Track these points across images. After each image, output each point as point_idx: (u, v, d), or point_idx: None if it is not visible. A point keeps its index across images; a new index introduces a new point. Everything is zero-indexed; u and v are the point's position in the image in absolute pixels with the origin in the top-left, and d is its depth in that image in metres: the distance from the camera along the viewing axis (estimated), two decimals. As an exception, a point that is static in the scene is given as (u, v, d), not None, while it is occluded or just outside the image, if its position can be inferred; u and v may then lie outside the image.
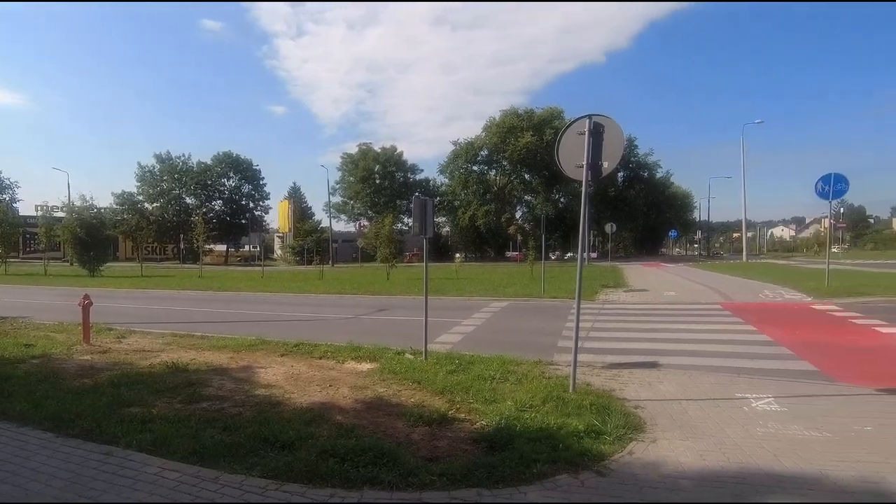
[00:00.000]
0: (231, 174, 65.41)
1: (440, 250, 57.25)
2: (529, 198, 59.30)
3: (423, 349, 6.61)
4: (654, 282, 20.54)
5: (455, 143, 58.99)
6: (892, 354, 7.16)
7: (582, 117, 4.75)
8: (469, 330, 9.79)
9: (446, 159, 60.31)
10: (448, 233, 64.55)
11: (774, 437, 3.91)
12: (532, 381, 5.43)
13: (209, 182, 63.91)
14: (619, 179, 59.38)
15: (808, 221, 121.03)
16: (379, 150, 64.07)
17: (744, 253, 47.04)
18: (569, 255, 54.78)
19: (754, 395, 4.98)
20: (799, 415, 4.40)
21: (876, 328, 8.87)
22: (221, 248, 65.47)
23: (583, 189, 4.90)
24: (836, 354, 7.08)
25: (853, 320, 9.75)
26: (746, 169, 47.18)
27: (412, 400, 4.92)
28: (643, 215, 61.05)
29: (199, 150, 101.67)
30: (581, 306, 5.79)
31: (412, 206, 6.59)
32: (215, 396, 5.03)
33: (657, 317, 10.88)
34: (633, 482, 3.17)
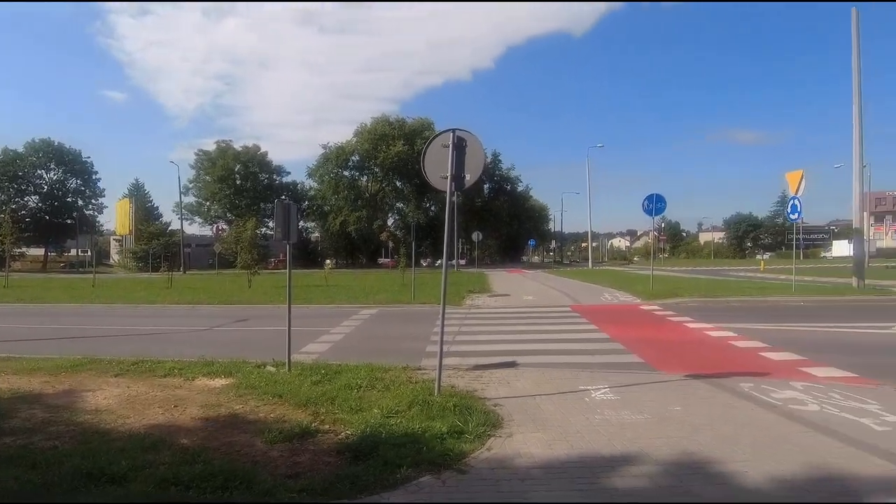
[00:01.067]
0: (52, 166, 55.66)
1: (309, 256, 55.06)
2: (401, 205, 60.03)
3: (287, 360, 6.28)
4: (515, 287, 22.11)
5: (325, 147, 57.39)
6: (697, 346, 8.60)
7: (446, 131, 4.97)
8: (337, 338, 9.55)
9: (315, 162, 58.41)
10: (318, 238, 62.38)
11: (609, 423, 4.44)
12: (399, 386, 5.47)
13: (20, 174, 53.59)
14: (486, 191, 63.01)
15: (639, 234, 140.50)
16: (240, 149, 59.74)
17: (590, 261, 53.02)
18: (439, 262, 56.49)
19: (594, 387, 5.61)
20: (628, 402, 5.07)
21: (686, 324, 10.62)
22: (39, 251, 55.22)
23: (447, 198, 5.10)
24: (657, 348, 8.30)
25: (670, 318, 11.55)
26: (592, 187, 53.30)
27: (272, 415, 4.63)
28: (507, 225, 65.49)
29: (13, 139, 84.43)
30: (448, 311, 5.99)
31: (274, 210, 6.26)
32: (22, 429, 4.19)
33: (517, 319, 11.73)
34: (491, 477, 3.36)
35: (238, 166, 58.57)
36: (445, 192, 5.20)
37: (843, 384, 5.76)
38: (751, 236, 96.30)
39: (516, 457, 3.71)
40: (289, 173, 64.53)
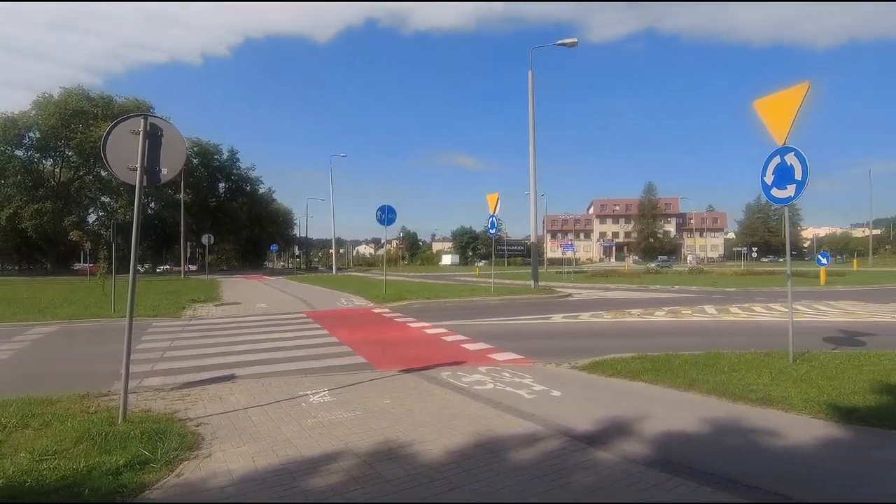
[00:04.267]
0: None
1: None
2: (108, 199, 49.42)
3: None
4: (250, 294, 20.68)
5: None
6: (414, 343, 9.57)
7: (135, 115, 4.27)
8: (-18, 368, 7.16)
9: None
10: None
11: (320, 425, 4.51)
12: (67, 420, 4.41)
13: None
14: (221, 190, 57.47)
15: (382, 242, 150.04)
16: None
17: (333, 267, 53.71)
18: (165, 266, 48.61)
19: (313, 391, 5.65)
20: (343, 401, 5.27)
21: (409, 324, 11.74)
22: None
23: (136, 195, 4.34)
24: (381, 348, 8.92)
25: (396, 319, 12.60)
26: (337, 194, 54.31)
27: None
28: (246, 228, 61.04)
29: None
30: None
31: None
32: None
33: (244, 329, 10.95)
34: (175, 506, 2.99)
35: None
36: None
37: (513, 365, 7.26)
38: (471, 246, 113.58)
39: (211, 477, 3.40)
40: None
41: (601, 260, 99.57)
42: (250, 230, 62.07)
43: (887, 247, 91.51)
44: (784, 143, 6.33)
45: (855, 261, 57.90)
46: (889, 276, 34.71)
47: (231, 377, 6.52)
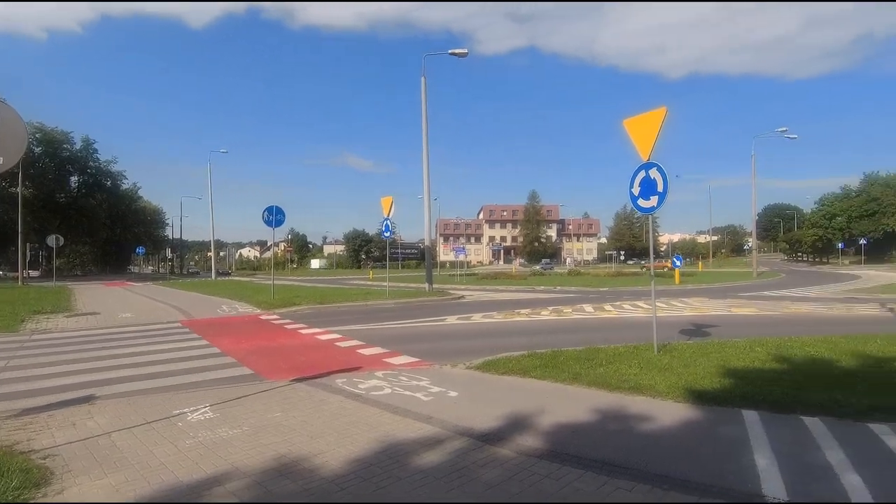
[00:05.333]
0: None
1: None
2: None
3: None
4: (111, 303, 18.28)
5: None
6: (306, 350, 9.13)
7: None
8: None
9: None
10: None
11: (202, 445, 4.10)
12: None
13: None
14: (74, 185, 50.18)
15: (268, 244, 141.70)
16: None
17: (213, 271, 49.55)
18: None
19: (192, 408, 5.12)
20: (228, 417, 4.84)
21: (300, 331, 11.20)
22: None
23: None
24: (269, 356, 8.38)
25: (286, 326, 11.95)
26: (218, 192, 50.33)
27: None
28: (106, 229, 53.90)
29: None
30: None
31: None
32: None
33: (105, 343, 9.62)
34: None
35: None
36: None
37: (410, 368, 7.25)
38: (364, 250, 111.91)
39: (65, 518, 2.91)
40: None
41: (490, 263, 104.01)
42: (111, 230, 54.80)
43: (723, 250, 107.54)
44: (648, 159, 7.12)
45: (700, 262, 67.25)
46: (726, 275, 40.90)
47: (89, 398, 5.67)
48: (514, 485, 3.28)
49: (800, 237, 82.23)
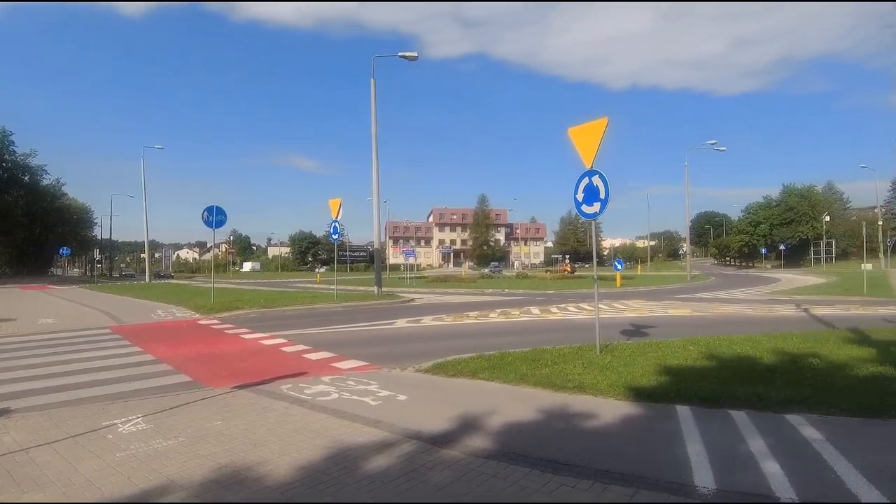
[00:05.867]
0: None
1: None
2: None
3: None
4: (30, 308, 16.87)
5: None
6: (249, 356, 8.80)
7: None
8: None
9: None
10: None
11: (134, 458, 3.86)
12: None
13: None
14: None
15: (208, 245, 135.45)
16: None
17: (147, 274, 46.77)
18: None
19: (123, 419, 4.82)
20: (163, 428, 4.59)
21: (242, 335, 10.78)
22: None
23: None
24: (209, 363, 8.01)
25: (228, 331, 11.47)
26: (154, 191, 47.57)
27: None
28: (24, 228, 49.60)
29: None
30: None
31: None
32: None
33: (23, 350, 8.87)
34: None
35: None
36: None
37: (359, 372, 7.16)
38: (311, 252, 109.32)
39: (-26, 544, 2.66)
40: None
41: (440, 266, 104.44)
42: (29, 229, 50.37)
43: (660, 255, 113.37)
44: (591, 167, 7.41)
45: (639, 266, 70.57)
46: (663, 278, 43.13)
47: (4, 412, 5.20)
48: (461, 485, 3.31)
49: (728, 243, 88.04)
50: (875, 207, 65.06)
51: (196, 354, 8.65)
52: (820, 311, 15.42)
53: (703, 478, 3.34)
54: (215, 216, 16.70)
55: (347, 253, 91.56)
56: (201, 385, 6.49)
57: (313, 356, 8.46)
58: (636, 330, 11.19)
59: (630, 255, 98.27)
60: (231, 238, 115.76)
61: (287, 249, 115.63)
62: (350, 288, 29.75)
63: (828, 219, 69.55)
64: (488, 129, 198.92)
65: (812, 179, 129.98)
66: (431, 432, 4.36)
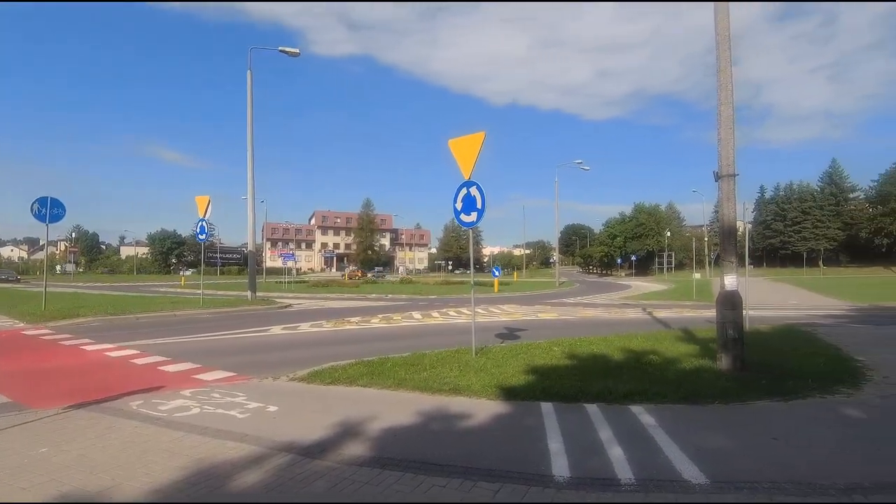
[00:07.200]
0: None
1: None
2: None
3: None
4: None
5: None
6: (90, 370, 7.68)
7: None
8: None
9: None
10: None
11: (-79, 501, 3.15)
12: None
13: None
14: None
15: (42, 243, 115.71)
16: None
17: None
18: None
19: None
20: (-33, 460, 3.81)
21: (83, 347, 9.39)
22: None
23: None
24: (37, 380, 6.84)
25: (63, 342, 9.90)
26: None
27: None
28: None
29: None
30: None
31: None
32: None
33: None
34: None
35: None
36: None
37: (225, 384, 6.62)
38: (175, 253, 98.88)
39: None
40: None
41: (323, 270, 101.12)
42: None
43: (534, 263, 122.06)
44: (469, 178, 7.76)
45: (516, 273, 75.28)
46: (536, 284, 46.50)
47: None
48: (334, 495, 3.23)
49: (591, 253, 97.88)
50: (703, 226, 76.86)
51: (20, 370, 7.35)
52: (660, 313, 17.79)
53: (560, 467, 3.65)
54: (49, 209, 14.26)
55: (218, 255, 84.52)
56: (25, 406, 5.50)
57: (172, 368, 7.66)
58: (510, 333, 11.90)
59: (507, 263, 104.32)
60: (73, 234, 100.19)
61: (146, 249, 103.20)
62: (220, 293, 27.47)
63: (669, 234, 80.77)
64: (376, 134, 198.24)
65: (658, 199, 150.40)
66: (305, 443, 4.19)
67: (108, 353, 8.79)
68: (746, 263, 12.69)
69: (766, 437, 4.31)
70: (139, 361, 8.16)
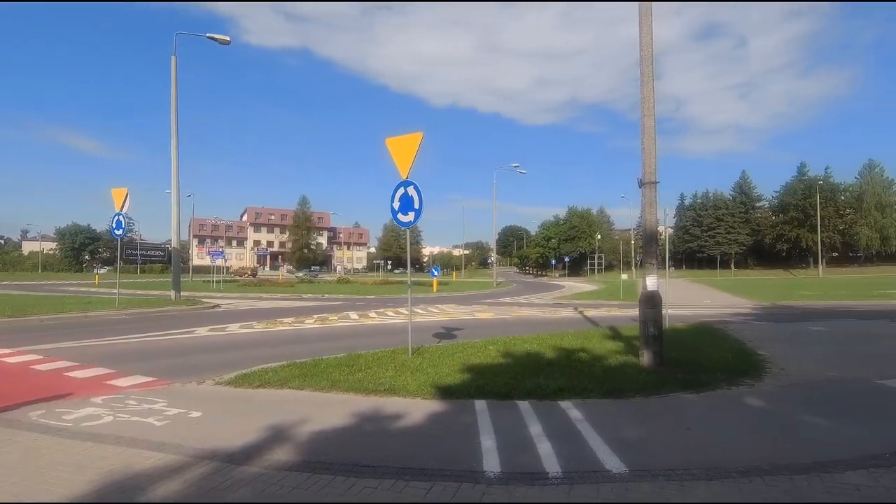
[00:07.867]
0: None
1: None
2: None
3: None
4: None
5: None
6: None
7: None
8: None
9: None
10: None
11: None
12: None
13: None
14: None
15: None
16: None
17: None
18: None
19: None
20: None
21: (-25, 353, 8.42)
22: None
23: None
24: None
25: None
26: None
27: None
28: None
29: None
30: None
31: None
32: None
33: None
34: None
35: None
36: None
37: (142, 389, 6.19)
38: (89, 249, 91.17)
39: None
40: None
41: (254, 268, 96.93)
42: None
43: (473, 263, 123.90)
44: (407, 177, 7.74)
45: (455, 273, 76.00)
46: (474, 284, 47.18)
47: None
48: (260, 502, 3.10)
49: (527, 254, 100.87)
50: (631, 229, 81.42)
51: None
52: (590, 312, 18.62)
53: (491, 463, 3.72)
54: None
55: (138, 252, 78.93)
56: None
57: (81, 374, 7.06)
58: (447, 332, 11.99)
59: (447, 263, 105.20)
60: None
61: (53, 245, 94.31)
62: (140, 292, 25.66)
63: (599, 237, 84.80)
64: (312, 129, 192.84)
65: (590, 203, 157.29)
66: (230, 450, 4.00)
67: (4, 360, 7.95)
68: (667, 266, 13.58)
69: (680, 427, 4.63)
70: (42, 367, 7.45)
